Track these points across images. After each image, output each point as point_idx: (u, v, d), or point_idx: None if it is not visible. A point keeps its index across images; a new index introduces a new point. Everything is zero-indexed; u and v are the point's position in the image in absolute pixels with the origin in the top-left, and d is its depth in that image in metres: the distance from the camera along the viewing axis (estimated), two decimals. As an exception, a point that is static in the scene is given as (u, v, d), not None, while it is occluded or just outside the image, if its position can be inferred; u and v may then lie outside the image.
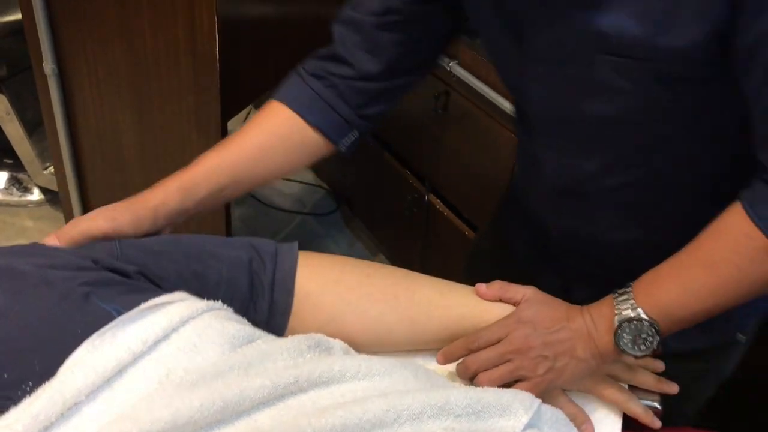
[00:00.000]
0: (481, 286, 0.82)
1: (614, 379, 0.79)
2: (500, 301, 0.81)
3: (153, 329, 0.62)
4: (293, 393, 0.62)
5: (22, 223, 2.34)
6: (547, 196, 0.93)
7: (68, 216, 1.75)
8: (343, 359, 0.66)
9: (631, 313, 0.75)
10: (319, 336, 0.72)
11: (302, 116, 0.91)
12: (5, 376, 0.59)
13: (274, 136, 0.91)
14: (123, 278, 0.71)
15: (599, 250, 0.93)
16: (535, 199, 0.98)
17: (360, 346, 0.78)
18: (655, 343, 0.74)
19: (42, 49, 1.47)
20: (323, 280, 0.80)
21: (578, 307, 0.79)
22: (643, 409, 0.78)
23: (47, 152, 2.27)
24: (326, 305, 0.79)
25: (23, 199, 2.42)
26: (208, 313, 0.67)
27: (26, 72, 2.13)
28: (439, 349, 0.81)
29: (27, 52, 2.06)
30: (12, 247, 0.74)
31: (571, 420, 0.75)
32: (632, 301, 0.75)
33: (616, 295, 0.77)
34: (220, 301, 0.71)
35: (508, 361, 0.76)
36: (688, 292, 0.74)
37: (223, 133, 1.39)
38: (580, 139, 0.83)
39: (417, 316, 0.80)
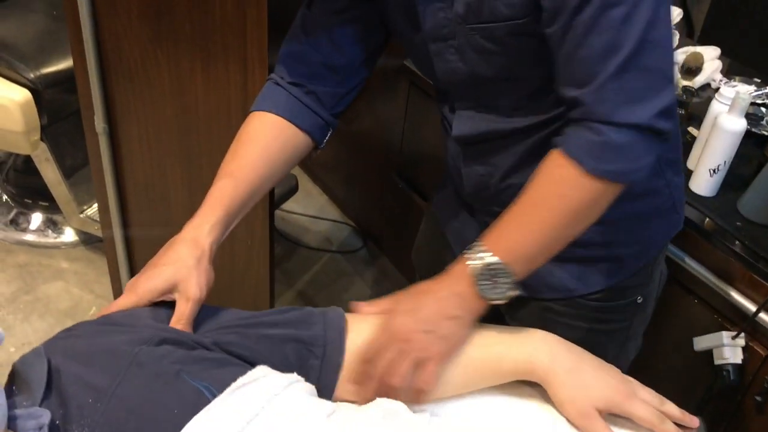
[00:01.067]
0: (358, 305, 0.90)
1: (646, 410, 0.82)
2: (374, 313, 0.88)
3: (246, 411, 0.67)
4: None
5: (58, 265, 2.39)
6: (458, 150, 1.05)
7: (112, 267, 1.79)
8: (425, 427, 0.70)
9: (483, 261, 0.85)
10: (384, 401, 0.77)
11: (294, 123, 1.02)
12: None
13: (276, 147, 1.01)
14: (205, 351, 0.77)
15: (503, 196, 1.01)
16: (451, 155, 1.09)
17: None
18: (511, 283, 0.85)
19: (94, 108, 1.51)
20: (371, 332, 0.84)
21: (437, 277, 0.88)
22: (675, 429, 0.81)
23: (84, 196, 2.32)
24: None
25: (58, 240, 2.47)
26: (289, 388, 0.72)
27: (66, 120, 2.19)
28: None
29: (68, 101, 2.12)
30: (97, 322, 0.79)
31: None
32: (481, 250, 0.85)
33: (467, 249, 0.87)
34: (295, 373, 0.76)
35: (405, 353, 0.81)
36: (527, 231, 0.86)
37: (271, 194, 1.44)
38: (479, 95, 0.98)
39: (473, 352, 0.85)
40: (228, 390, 0.69)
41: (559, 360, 0.83)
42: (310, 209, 2.71)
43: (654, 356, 1.42)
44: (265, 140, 1.00)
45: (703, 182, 1.30)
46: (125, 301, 0.84)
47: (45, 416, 0.67)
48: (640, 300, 1.09)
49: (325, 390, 0.81)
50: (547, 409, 0.85)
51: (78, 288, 2.30)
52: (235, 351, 0.79)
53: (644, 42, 0.78)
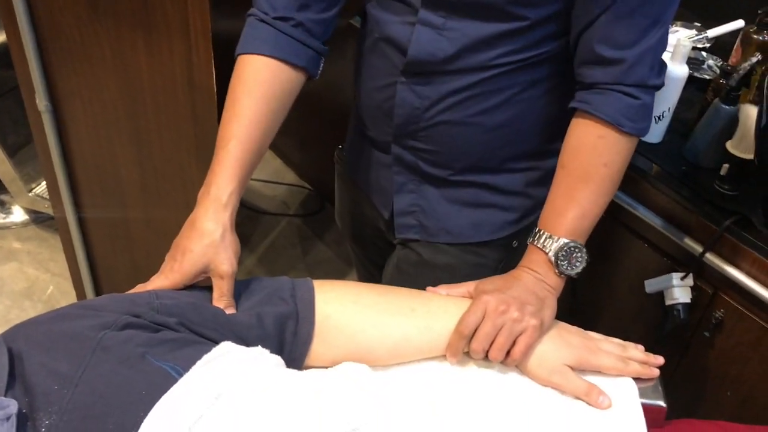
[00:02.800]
0: (436, 288, 0.93)
1: (609, 357, 0.87)
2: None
3: (213, 387, 0.68)
4: None
5: (10, 245, 2.34)
6: (396, 78, 1.03)
7: (67, 247, 1.76)
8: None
9: (556, 245, 0.92)
10: (347, 369, 0.79)
11: (288, 61, 1.00)
12: None
13: (274, 94, 0.99)
14: (170, 332, 0.76)
15: (429, 132, 1.05)
16: (379, 87, 1.07)
17: (381, 357, 0.85)
18: (584, 255, 0.93)
19: (35, 86, 1.47)
20: (341, 301, 0.86)
21: (512, 271, 0.95)
22: (641, 367, 0.87)
23: (30, 173, 2.26)
24: (347, 324, 0.85)
25: (7, 220, 2.41)
26: (254, 363, 0.73)
27: (5, 96, 2.12)
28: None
29: (5, 77, 2.05)
30: (61, 310, 0.77)
31: (586, 395, 0.82)
32: (550, 236, 0.93)
33: (533, 240, 0.95)
34: (260, 347, 0.77)
35: (501, 327, 0.85)
36: (583, 206, 0.93)
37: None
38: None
39: (434, 324, 0.86)
40: (194, 368, 0.70)
41: None
42: (265, 174, 2.69)
43: (608, 300, 1.47)
44: (261, 90, 0.98)
45: (652, 129, 1.33)
46: (160, 284, 0.85)
47: (12, 406, 0.65)
48: (515, 245, 1.15)
49: (297, 361, 0.82)
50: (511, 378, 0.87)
51: (33, 268, 2.26)
52: (201, 331, 0.78)
53: (670, 16, 0.90)
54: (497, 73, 0.97)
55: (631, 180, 1.32)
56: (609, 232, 1.41)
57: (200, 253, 0.86)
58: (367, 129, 1.15)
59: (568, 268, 0.93)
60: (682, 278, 1.26)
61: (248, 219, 2.52)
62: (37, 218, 2.41)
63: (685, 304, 1.26)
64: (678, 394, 1.36)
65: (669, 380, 1.36)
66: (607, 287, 1.46)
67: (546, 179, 1.01)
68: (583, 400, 0.83)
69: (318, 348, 0.84)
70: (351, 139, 1.26)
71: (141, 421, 0.64)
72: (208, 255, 0.86)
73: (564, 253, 0.92)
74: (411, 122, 1.05)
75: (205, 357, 0.72)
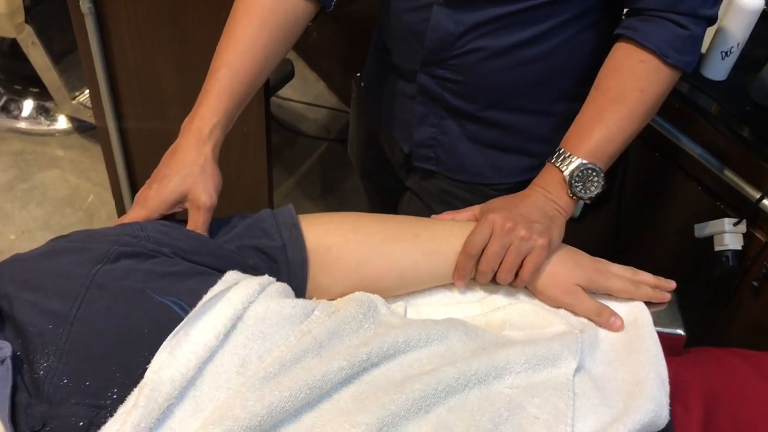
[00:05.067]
0: (442, 215, 0.91)
1: (620, 280, 0.84)
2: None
3: (222, 322, 0.64)
4: (366, 369, 0.66)
5: (53, 153, 2.36)
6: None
7: (108, 157, 1.76)
8: (404, 330, 0.69)
9: (573, 165, 0.88)
10: (362, 296, 0.75)
11: None
12: (88, 383, 0.60)
13: (275, 22, 0.92)
14: (167, 260, 0.72)
15: (460, 60, 0.99)
16: (411, 7, 1.00)
17: (389, 287, 0.82)
18: (601, 180, 0.88)
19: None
20: (341, 231, 0.83)
21: (522, 190, 0.91)
22: (653, 291, 0.84)
23: (75, 82, 2.26)
24: (350, 253, 0.81)
25: (51, 128, 2.43)
26: (264, 293, 0.70)
27: (51, 1, 2.10)
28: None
29: (51, -19, 2.03)
30: (45, 247, 0.73)
31: (598, 315, 0.80)
32: (569, 156, 0.88)
33: (552, 159, 0.90)
34: (266, 275, 0.72)
35: (509, 246, 0.82)
36: (611, 129, 0.88)
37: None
38: None
39: (440, 248, 0.83)
40: (201, 302, 0.66)
41: None
42: (307, 96, 2.65)
43: (653, 241, 1.42)
44: (263, 16, 0.91)
45: (714, 65, 1.25)
46: (136, 215, 0.81)
47: (6, 348, 0.62)
48: None
49: (298, 290, 0.79)
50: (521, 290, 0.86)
51: (74, 176, 2.28)
52: (198, 259, 0.74)
53: None
54: (538, 4, 0.91)
55: (690, 118, 1.26)
56: (660, 171, 1.35)
57: (178, 182, 0.82)
58: (392, 56, 1.09)
59: (582, 190, 0.88)
60: (735, 224, 1.20)
61: (288, 141, 2.50)
62: (80, 127, 2.42)
63: (735, 251, 1.21)
64: (719, 342, 1.32)
65: (711, 326, 1.33)
66: (653, 228, 1.42)
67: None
68: (594, 321, 0.81)
69: (323, 281, 0.81)
70: (371, 67, 1.20)
71: (147, 363, 0.60)
72: (187, 184, 0.82)
73: (580, 174, 0.88)
74: (443, 49, 0.99)
75: (213, 289, 0.67)
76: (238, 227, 0.82)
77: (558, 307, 0.83)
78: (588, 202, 0.90)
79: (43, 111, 2.44)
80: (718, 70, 1.26)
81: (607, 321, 0.80)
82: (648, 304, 0.84)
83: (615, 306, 0.83)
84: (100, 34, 1.51)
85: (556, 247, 0.85)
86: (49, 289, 0.66)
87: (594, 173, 0.88)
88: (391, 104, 1.14)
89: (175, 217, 0.85)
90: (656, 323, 0.82)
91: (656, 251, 1.42)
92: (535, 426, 0.62)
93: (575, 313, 0.82)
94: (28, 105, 2.44)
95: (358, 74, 1.25)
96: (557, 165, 0.89)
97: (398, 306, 0.82)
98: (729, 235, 1.21)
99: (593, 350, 0.77)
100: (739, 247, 1.21)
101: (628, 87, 0.88)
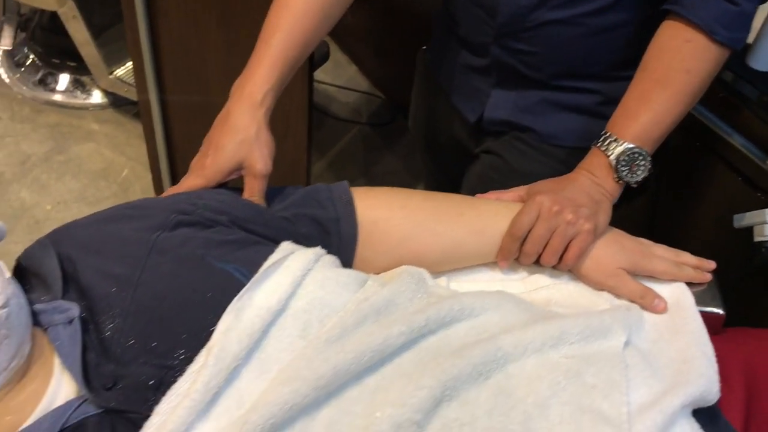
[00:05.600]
0: (487, 194, 0.91)
1: (663, 262, 0.85)
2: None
3: (283, 287, 0.66)
4: (424, 336, 0.67)
5: (89, 126, 2.39)
6: None
7: (148, 130, 1.78)
8: (458, 299, 0.71)
9: (620, 149, 0.87)
10: (410, 269, 0.77)
11: None
12: (154, 344, 0.62)
13: None
14: (224, 229, 0.74)
15: (535, 33, 0.99)
16: None
17: (432, 264, 0.82)
18: (648, 164, 0.87)
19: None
20: (388, 206, 0.84)
21: (568, 174, 0.90)
22: (694, 272, 0.85)
23: (113, 56, 2.29)
24: (396, 229, 0.82)
25: (87, 102, 2.46)
26: (319, 262, 0.72)
27: (93, -25, 2.12)
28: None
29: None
30: (104, 213, 0.75)
31: (641, 297, 0.81)
32: (615, 139, 0.87)
33: (598, 143, 0.89)
34: (319, 246, 0.74)
35: (555, 229, 0.82)
36: (658, 111, 0.87)
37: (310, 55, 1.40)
38: None
39: (485, 227, 0.84)
40: (262, 268, 0.68)
41: None
42: (339, 80, 2.67)
43: (690, 231, 1.43)
44: None
45: (762, 56, 1.25)
46: (192, 184, 0.82)
47: (74, 309, 0.64)
48: None
49: (345, 265, 0.80)
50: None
51: (109, 150, 2.31)
52: (254, 228, 0.76)
53: None
54: None
55: (732, 107, 1.26)
56: (699, 161, 1.35)
57: (233, 150, 0.82)
58: (460, 29, 1.09)
59: (628, 174, 0.88)
60: (776, 215, 1.21)
61: (319, 123, 2.51)
62: (115, 102, 2.45)
63: (775, 242, 1.21)
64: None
65: (748, 317, 1.33)
66: (690, 218, 1.42)
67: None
68: (638, 303, 0.81)
69: (367, 255, 0.82)
70: (437, 40, 1.20)
71: (211, 326, 0.62)
72: (242, 152, 0.82)
73: (626, 158, 0.87)
74: (516, 21, 1.00)
75: (271, 258, 0.69)
76: (294, 196, 0.84)
77: (601, 289, 0.84)
78: (635, 186, 0.90)
79: (79, 85, 2.47)
80: (764, 60, 1.26)
81: (651, 303, 0.81)
82: (688, 284, 0.85)
83: (657, 287, 0.83)
84: (147, 7, 1.53)
85: (601, 231, 0.85)
86: (111, 254, 0.68)
87: (641, 157, 0.87)
88: (459, 76, 1.14)
89: (228, 185, 0.87)
90: (696, 302, 0.82)
91: (693, 241, 1.42)
92: (592, 394, 0.64)
93: (618, 296, 0.83)
94: (64, 79, 2.47)
95: (424, 47, 1.26)
96: (603, 149, 0.89)
97: (441, 281, 0.84)
98: (770, 225, 1.21)
99: (639, 329, 0.78)
100: (779, 238, 1.21)
101: (674, 68, 0.87)
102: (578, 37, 0.98)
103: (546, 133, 1.09)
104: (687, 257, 0.87)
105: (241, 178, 0.86)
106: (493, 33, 1.03)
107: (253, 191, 0.82)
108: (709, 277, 0.86)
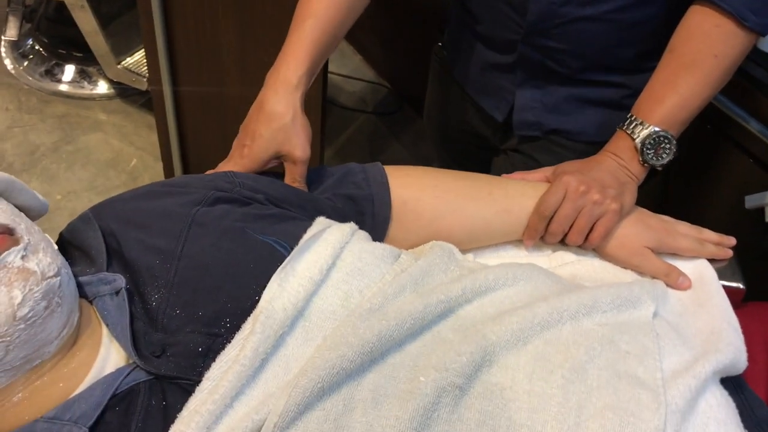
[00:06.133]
0: (514, 174, 0.92)
1: (686, 239, 0.87)
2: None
3: (323, 258, 0.68)
4: (461, 304, 0.69)
5: (96, 117, 2.40)
6: None
7: (160, 120, 1.79)
8: (492, 270, 0.73)
9: (645, 132, 0.87)
10: (441, 243, 0.78)
11: None
12: (200, 313, 0.63)
13: None
14: (261, 206, 0.76)
15: (566, 30, 0.99)
16: None
17: (460, 242, 0.84)
18: (673, 147, 0.88)
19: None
20: (418, 186, 0.85)
21: (594, 156, 0.91)
22: (716, 248, 0.87)
23: (121, 47, 2.29)
24: (426, 208, 0.84)
25: (93, 92, 2.47)
26: (355, 236, 0.73)
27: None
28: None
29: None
30: (143, 189, 0.76)
31: (666, 275, 0.83)
32: (641, 123, 0.88)
33: (623, 125, 0.89)
34: (352, 222, 0.76)
35: (582, 209, 0.83)
36: (684, 95, 0.87)
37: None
38: None
39: (512, 207, 0.86)
40: (303, 240, 0.69)
41: None
42: (344, 69, 2.68)
43: (701, 213, 1.45)
44: None
45: (773, 39, 1.27)
46: (234, 169, 0.83)
47: (119, 280, 0.65)
48: None
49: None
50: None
51: (117, 140, 2.32)
52: (289, 208, 0.78)
53: None
54: None
55: (745, 90, 1.27)
56: (711, 145, 1.37)
57: (270, 138, 0.83)
58: (481, 26, 1.09)
59: (654, 158, 0.88)
60: (788, 195, 1.23)
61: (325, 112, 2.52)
62: (123, 92, 2.45)
63: (786, 222, 1.23)
64: None
65: (760, 298, 1.35)
66: (701, 201, 1.44)
67: None
68: (663, 281, 0.83)
69: (396, 233, 0.84)
70: (455, 38, 1.19)
71: (255, 295, 0.64)
72: (279, 139, 0.83)
73: (652, 141, 0.87)
74: (545, 19, 0.99)
75: (309, 231, 0.71)
76: (331, 179, 0.85)
77: (626, 268, 0.85)
78: (660, 168, 0.90)
79: (86, 75, 2.48)
80: (776, 44, 1.27)
81: (676, 281, 0.83)
82: (709, 259, 0.86)
83: (679, 263, 0.85)
84: (162, -3, 1.54)
85: (627, 212, 0.86)
86: (152, 228, 0.69)
87: (666, 140, 0.88)
88: (481, 74, 1.14)
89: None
90: (718, 278, 0.84)
91: (705, 223, 1.43)
92: (627, 360, 0.65)
93: (642, 274, 0.85)
94: (70, 69, 2.48)
95: (440, 43, 1.26)
96: (629, 132, 0.89)
97: (468, 257, 0.86)
98: (781, 205, 1.23)
99: (665, 302, 0.80)
100: (791, 218, 1.23)
101: (702, 52, 0.87)
102: (607, 32, 0.99)
103: (575, 131, 1.09)
104: (709, 234, 0.88)
105: (281, 165, 0.87)
106: (521, 31, 1.02)
107: (294, 177, 0.83)
108: (730, 253, 0.88)
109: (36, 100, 2.41)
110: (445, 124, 1.31)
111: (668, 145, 0.88)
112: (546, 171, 0.91)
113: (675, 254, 0.87)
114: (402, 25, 2.42)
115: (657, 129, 0.87)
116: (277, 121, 0.83)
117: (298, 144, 0.83)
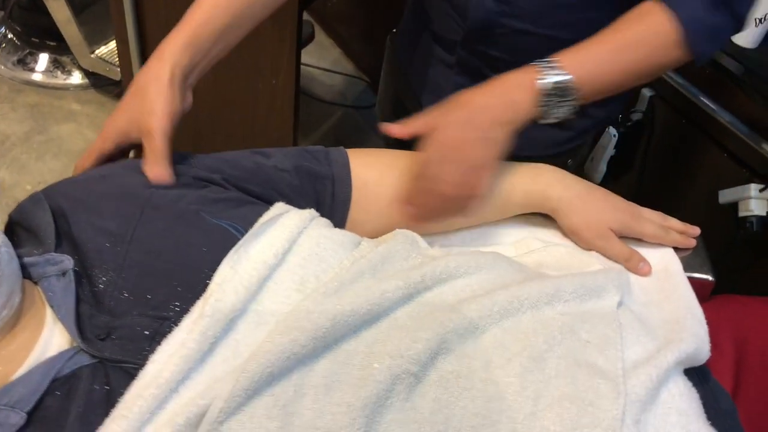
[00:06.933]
0: (389, 127, 0.82)
1: (651, 224, 0.85)
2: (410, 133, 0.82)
3: (279, 242, 0.66)
4: (420, 291, 0.67)
5: (69, 107, 2.36)
6: None
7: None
8: (454, 257, 0.71)
9: (555, 78, 0.79)
10: (403, 231, 0.77)
11: None
12: (149, 297, 0.61)
13: None
14: (218, 189, 0.73)
15: (507, 41, 0.96)
16: None
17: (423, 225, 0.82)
18: (573, 107, 0.80)
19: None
20: (378, 167, 0.83)
21: (497, 79, 0.81)
22: (680, 237, 0.86)
23: (94, 36, 2.25)
24: (386, 190, 0.82)
25: (66, 82, 2.43)
26: (314, 221, 0.72)
27: (74, -49, 2.09)
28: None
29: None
30: (98, 170, 0.74)
31: (627, 260, 0.82)
32: (558, 67, 0.79)
33: (539, 63, 0.80)
34: (312, 209, 0.74)
35: (457, 162, 0.78)
36: (608, 68, 0.81)
37: (299, 24, 1.40)
38: None
39: None
40: (258, 223, 0.67)
41: (571, 188, 0.85)
42: (324, 62, 2.65)
43: (675, 207, 1.44)
44: None
45: (746, 33, 1.27)
46: (92, 147, 0.79)
47: (67, 261, 0.63)
48: (570, 163, 1.11)
49: (337, 226, 0.79)
50: (554, 234, 0.87)
51: (90, 130, 2.28)
52: (248, 187, 0.76)
53: None
54: None
55: (719, 83, 1.27)
56: (685, 138, 1.36)
57: (125, 106, 0.78)
58: (432, 23, 1.07)
59: (551, 108, 0.80)
60: (761, 190, 1.22)
61: (304, 106, 2.49)
62: (96, 82, 2.42)
63: (759, 217, 1.23)
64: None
65: (734, 291, 1.35)
66: (676, 194, 1.43)
67: (608, 99, 0.90)
68: (624, 266, 0.82)
69: (358, 216, 0.82)
70: (407, 29, 1.17)
71: (207, 279, 0.62)
72: (133, 106, 0.77)
73: (559, 89, 0.79)
74: (485, 27, 0.97)
75: (265, 216, 0.69)
76: (289, 150, 0.83)
77: (590, 249, 0.85)
78: (546, 122, 0.82)
79: (59, 65, 2.43)
80: (750, 37, 1.27)
81: (636, 266, 0.82)
82: (675, 250, 0.86)
83: (645, 252, 0.84)
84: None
85: (504, 153, 0.80)
86: (104, 210, 0.67)
87: (572, 97, 0.80)
88: (425, 68, 1.12)
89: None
90: (686, 268, 0.84)
91: (678, 217, 1.44)
92: (587, 349, 0.64)
93: (606, 257, 0.84)
94: (43, 58, 2.44)
95: (394, 30, 1.24)
96: (538, 69, 0.80)
97: (434, 246, 0.84)
98: (755, 200, 1.23)
99: (629, 291, 0.79)
100: (764, 213, 1.22)
101: (639, 41, 0.82)
102: (547, 48, 0.94)
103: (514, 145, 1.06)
104: (673, 222, 0.88)
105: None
106: (461, 35, 1.01)
107: (151, 148, 0.74)
108: (694, 242, 0.87)
109: (7, 89, 2.37)
110: (392, 113, 1.28)
111: (571, 102, 0.80)
112: (426, 119, 0.82)
113: (639, 241, 0.86)
114: (380, 17, 2.41)
115: (570, 78, 0.79)
116: (141, 92, 0.77)
117: (153, 111, 0.75)
